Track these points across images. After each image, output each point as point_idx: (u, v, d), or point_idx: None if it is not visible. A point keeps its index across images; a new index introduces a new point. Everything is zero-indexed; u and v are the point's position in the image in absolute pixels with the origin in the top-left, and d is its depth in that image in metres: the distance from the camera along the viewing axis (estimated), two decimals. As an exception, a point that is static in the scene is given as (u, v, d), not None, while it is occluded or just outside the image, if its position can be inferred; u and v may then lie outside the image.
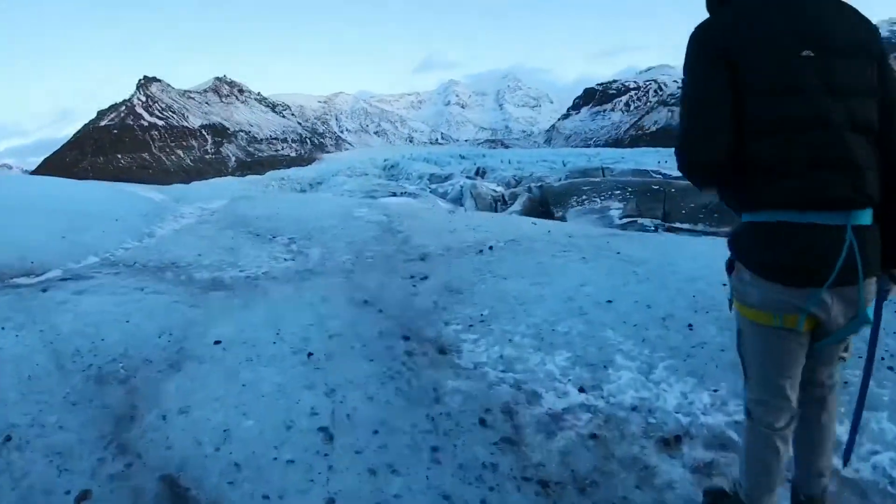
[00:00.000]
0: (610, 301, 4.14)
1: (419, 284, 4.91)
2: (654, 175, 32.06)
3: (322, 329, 3.92)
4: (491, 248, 5.96)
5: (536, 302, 4.24)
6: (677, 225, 19.90)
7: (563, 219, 21.49)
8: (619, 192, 23.18)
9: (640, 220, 20.08)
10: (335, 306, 4.41)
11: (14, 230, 6.39)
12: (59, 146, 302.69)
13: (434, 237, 6.69)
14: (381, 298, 4.59)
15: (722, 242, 2.99)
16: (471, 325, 3.95)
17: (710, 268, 4.46)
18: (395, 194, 24.32)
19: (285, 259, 6.17)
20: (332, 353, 3.51)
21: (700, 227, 19.48)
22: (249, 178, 65.44)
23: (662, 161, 48.60)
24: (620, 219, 20.72)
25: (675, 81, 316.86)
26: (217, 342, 3.67)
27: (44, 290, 4.71)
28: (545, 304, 4.18)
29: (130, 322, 4.01)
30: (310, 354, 3.49)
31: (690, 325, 3.64)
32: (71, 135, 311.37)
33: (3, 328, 3.81)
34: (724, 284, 2.22)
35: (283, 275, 5.52)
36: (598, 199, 22.96)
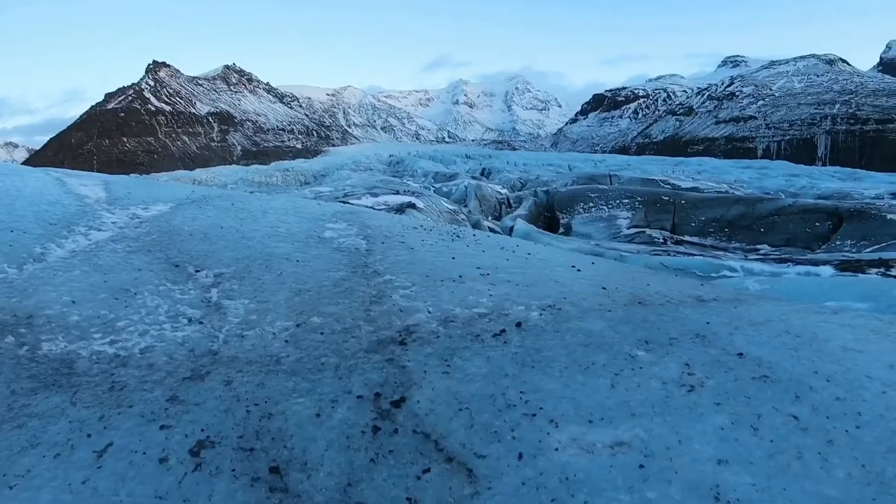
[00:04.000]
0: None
1: (384, 423, 2.75)
2: (662, 185, 30.94)
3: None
4: (519, 324, 3.71)
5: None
6: (686, 238, 19.34)
7: (568, 226, 21.28)
8: (627, 200, 22.35)
9: (648, 232, 19.48)
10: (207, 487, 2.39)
11: None
12: (66, 126, 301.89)
13: (428, 289, 4.47)
14: (305, 462, 2.52)
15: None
16: None
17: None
18: (397, 192, 23.26)
19: (188, 321, 3.96)
20: None
21: (709, 241, 18.98)
22: (254, 167, 64.29)
23: (669, 170, 47.94)
24: (628, 229, 20.16)
25: (683, 91, 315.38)
26: None
27: None
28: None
29: None
30: None
31: None
32: (78, 115, 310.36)
33: None
34: None
35: (166, 363, 3.42)
36: (605, 207, 22.22)
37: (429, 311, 3.96)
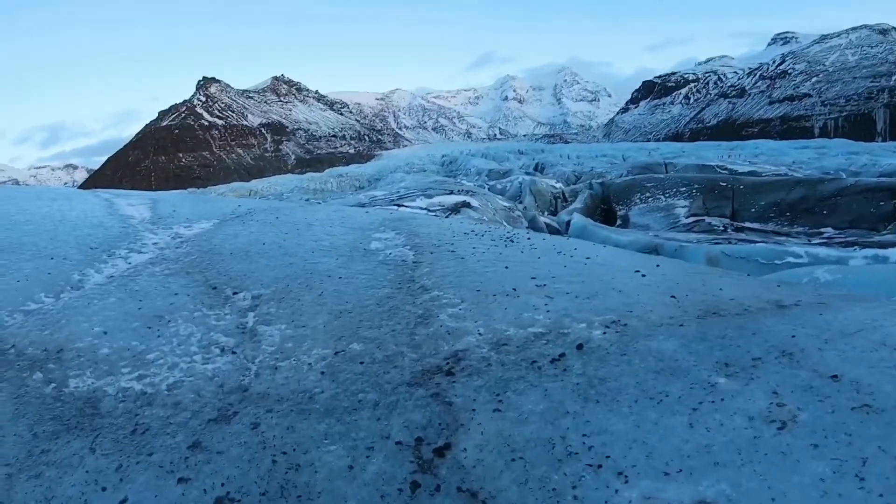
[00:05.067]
0: None
1: (425, 477, 2.39)
2: (719, 171, 30.08)
3: None
4: (580, 346, 3.28)
5: None
6: (747, 224, 18.53)
7: (626, 217, 20.75)
8: (684, 189, 21.59)
9: (707, 219, 18.70)
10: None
11: None
12: (122, 146, 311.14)
13: (479, 306, 4.06)
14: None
15: None
16: None
17: None
18: (451, 192, 23.04)
19: (221, 351, 3.69)
20: None
21: (770, 226, 18.15)
22: (308, 175, 65.02)
23: (725, 156, 46.87)
24: (686, 217, 19.40)
25: (734, 73, 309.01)
26: None
27: None
28: None
29: None
30: None
31: None
32: (133, 135, 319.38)
33: None
34: None
35: (193, 401, 3.14)
36: (662, 197, 21.55)
37: (479, 333, 3.57)
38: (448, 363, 3.23)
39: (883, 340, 3.06)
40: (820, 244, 13.43)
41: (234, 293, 4.79)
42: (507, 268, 4.93)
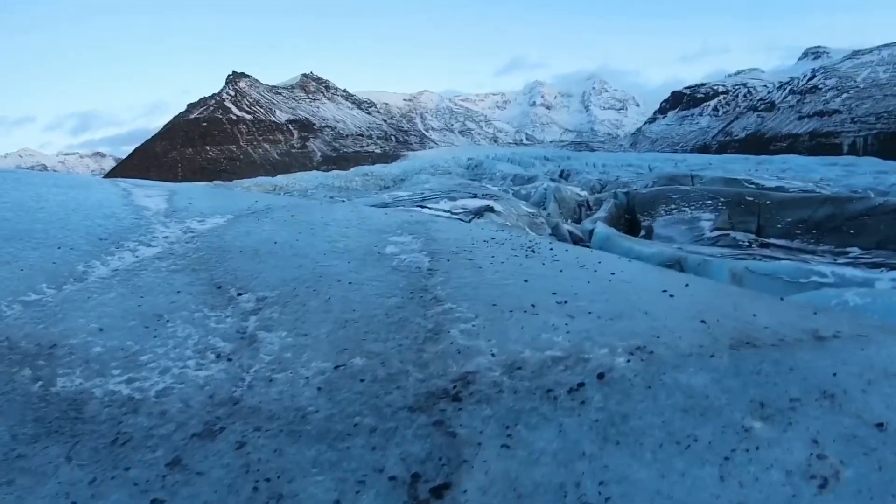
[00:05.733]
0: None
1: None
2: (746, 185, 29.69)
3: None
4: (601, 375, 3.00)
5: None
6: (772, 241, 18.06)
7: (650, 228, 20.31)
8: (710, 202, 21.21)
9: (732, 234, 18.30)
10: None
11: None
12: (150, 136, 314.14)
13: (494, 323, 3.79)
14: None
15: None
16: None
17: None
18: (475, 195, 22.96)
19: (217, 357, 3.46)
20: None
21: (796, 244, 17.66)
22: (333, 172, 65.20)
23: (752, 169, 46.40)
24: (711, 231, 19.00)
25: (764, 86, 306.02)
26: None
27: None
28: None
29: None
30: None
31: None
32: (161, 126, 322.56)
33: None
34: None
35: (180, 411, 2.93)
36: (687, 209, 21.14)
37: (492, 354, 3.29)
38: (456, 386, 2.97)
39: (929, 383, 2.79)
40: (846, 264, 13.09)
41: (239, 294, 4.58)
42: (526, 281, 4.67)
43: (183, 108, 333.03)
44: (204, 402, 3.00)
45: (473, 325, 3.71)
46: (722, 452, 2.32)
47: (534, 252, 6.00)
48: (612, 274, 5.06)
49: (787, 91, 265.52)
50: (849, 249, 16.08)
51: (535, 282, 4.66)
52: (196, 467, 2.49)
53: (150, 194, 9.17)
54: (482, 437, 2.52)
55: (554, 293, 4.31)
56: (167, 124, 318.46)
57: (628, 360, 3.10)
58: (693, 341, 3.35)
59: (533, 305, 4.03)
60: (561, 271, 5.10)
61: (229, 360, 3.47)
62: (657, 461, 2.29)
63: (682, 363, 3.06)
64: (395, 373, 3.15)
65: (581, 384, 2.88)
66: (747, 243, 17.33)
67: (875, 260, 13.84)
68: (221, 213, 7.89)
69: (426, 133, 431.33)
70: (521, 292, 4.35)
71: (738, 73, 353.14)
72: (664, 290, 4.47)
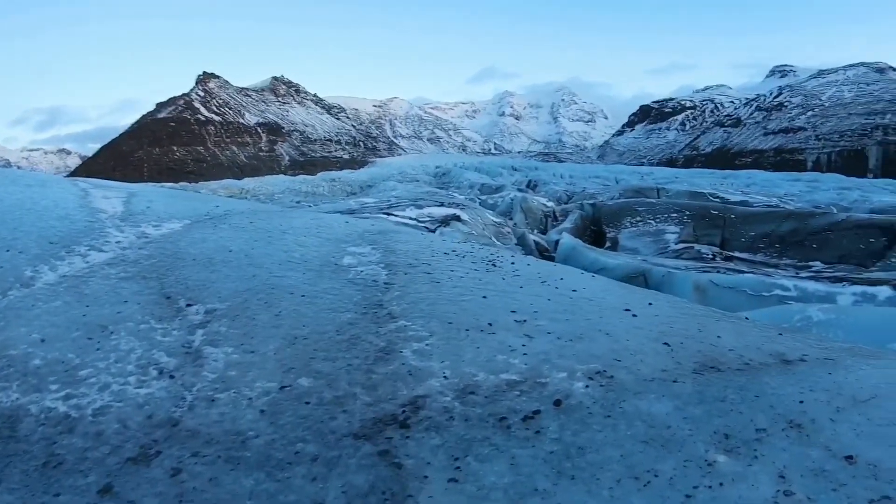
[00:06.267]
0: None
1: None
2: (711, 199, 30.15)
3: None
4: (558, 402, 2.86)
5: None
6: (736, 254, 18.37)
7: (615, 240, 20.56)
8: (675, 214, 21.66)
9: (696, 247, 18.55)
10: None
11: None
12: (118, 134, 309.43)
13: (449, 343, 3.63)
14: None
15: None
16: None
17: None
18: (442, 204, 22.97)
19: (159, 373, 3.27)
20: None
21: (759, 257, 17.96)
22: (301, 177, 64.60)
23: (717, 184, 47.26)
24: (676, 244, 19.29)
25: (731, 102, 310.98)
26: None
27: None
28: None
29: None
30: None
31: None
32: (129, 125, 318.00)
33: None
34: None
35: (116, 432, 2.75)
36: (652, 222, 21.54)
37: (444, 377, 3.14)
38: (405, 412, 2.82)
39: (898, 412, 2.72)
40: (808, 278, 13.24)
41: (188, 305, 4.40)
42: (485, 297, 4.52)
43: (152, 106, 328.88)
44: (142, 423, 2.84)
45: (427, 345, 3.56)
46: (683, 489, 2.20)
47: (495, 266, 5.87)
48: (574, 291, 4.94)
49: (753, 107, 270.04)
50: (811, 263, 16.28)
51: (494, 298, 4.52)
52: (128, 495, 2.33)
53: (109, 195, 8.89)
54: (429, 470, 2.37)
55: (513, 311, 4.17)
56: (135, 123, 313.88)
57: (587, 386, 2.97)
58: (656, 365, 3.24)
59: (490, 324, 3.89)
60: (521, 287, 4.96)
61: (171, 377, 3.30)
62: (614, 499, 2.16)
63: (644, 389, 2.94)
64: (343, 395, 2.98)
65: (536, 412, 2.75)
66: (711, 256, 17.48)
67: (837, 274, 14.01)
68: (179, 217, 7.66)
69: (395, 140, 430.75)
70: (479, 309, 4.20)
71: (706, 88, 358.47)
72: (627, 309, 4.36)
